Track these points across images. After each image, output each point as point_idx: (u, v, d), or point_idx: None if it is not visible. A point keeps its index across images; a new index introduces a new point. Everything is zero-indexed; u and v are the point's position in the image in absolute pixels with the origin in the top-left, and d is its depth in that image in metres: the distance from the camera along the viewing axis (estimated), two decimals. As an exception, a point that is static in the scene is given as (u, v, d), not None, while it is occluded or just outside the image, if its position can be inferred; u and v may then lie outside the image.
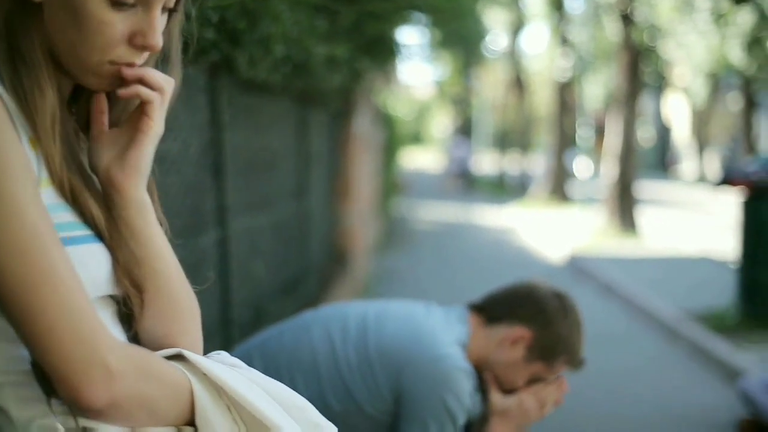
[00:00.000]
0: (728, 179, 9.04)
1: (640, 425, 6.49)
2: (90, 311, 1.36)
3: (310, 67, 5.13)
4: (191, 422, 1.48)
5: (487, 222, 22.19)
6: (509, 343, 2.92)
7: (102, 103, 1.56)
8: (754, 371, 6.99)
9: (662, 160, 49.55)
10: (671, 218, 21.78)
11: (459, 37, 33.20)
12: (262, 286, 5.12)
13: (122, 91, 1.51)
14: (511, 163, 36.89)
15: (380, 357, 2.75)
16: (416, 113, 70.92)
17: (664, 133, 49.45)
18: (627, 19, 17.01)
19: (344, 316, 2.89)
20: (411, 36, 30.64)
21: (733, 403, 6.87)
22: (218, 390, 1.48)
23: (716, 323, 9.08)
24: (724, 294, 10.18)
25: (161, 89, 1.53)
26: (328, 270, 8.26)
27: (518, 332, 2.91)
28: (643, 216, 18.92)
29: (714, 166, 41.12)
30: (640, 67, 17.29)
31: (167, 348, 1.53)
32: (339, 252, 9.32)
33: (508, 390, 2.94)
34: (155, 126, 1.54)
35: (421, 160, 65.84)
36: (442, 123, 62.66)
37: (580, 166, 41.01)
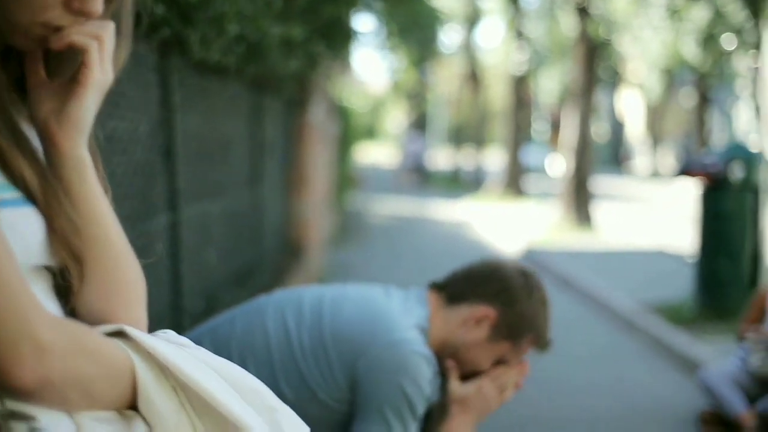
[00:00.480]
0: (686, 170, 8.99)
1: (600, 416, 6.41)
2: (19, 281, 1.21)
3: (264, 50, 4.98)
4: (133, 405, 1.34)
5: (442, 216, 22.11)
6: (473, 322, 2.79)
7: (36, 53, 1.42)
8: (713, 363, 6.92)
9: (616, 156, 49.82)
10: (626, 213, 21.81)
11: (414, 30, 33.11)
12: (214, 275, 4.96)
13: (54, 41, 1.37)
14: (466, 158, 36.86)
15: (335, 342, 2.61)
16: (371, 108, 70.78)
17: (617, 128, 49.70)
18: (583, 12, 16.98)
19: (300, 299, 2.74)
20: (366, 23, 30.43)
21: (693, 394, 6.81)
22: (164, 370, 1.34)
23: (674, 315, 9.04)
24: (680, 287, 10.16)
25: (97, 36, 1.39)
26: (281, 262, 8.10)
27: (482, 311, 2.77)
28: (599, 210, 18.92)
29: (668, 161, 41.37)
30: (596, 61, 17.27)
31: (108, 324, 1.38)
32: (293, 244, 9.17)
33: (472, 373, 2.81)
34: (95, 76, 1.40)
35: (376, 154, 65.74)
36: (396, 118, 62.56)
37: (550, 162, 41.01)
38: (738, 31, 28.54)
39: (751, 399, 6.04)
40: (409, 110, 47.61)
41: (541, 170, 40.76)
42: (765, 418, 5.80)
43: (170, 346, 1.37)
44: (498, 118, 43.79)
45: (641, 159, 45.69)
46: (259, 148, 6.77)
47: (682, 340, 8.19)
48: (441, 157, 47.29)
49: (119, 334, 1.36)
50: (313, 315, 2.67)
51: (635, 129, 47.18)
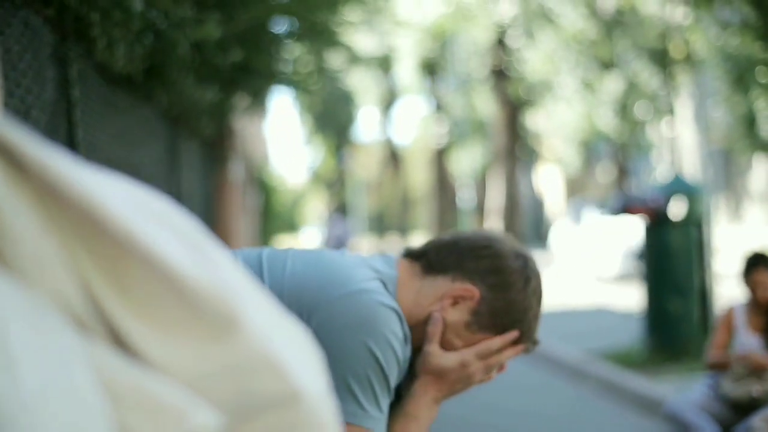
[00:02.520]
0: (627, 208, 8.64)
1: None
2: None
3: (174, 60, 4.51)
4: None
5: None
6: (450, 301, 2.18)
7: None
8: (677, 394, 6.49)
9: (538, 233, 49.87)
10: (559, 279, 21.53)
11: (330, 115, 32.98)
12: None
13: None
14: (390, 247, 36.50)
15: (290, 299, 2.05)
16: (291, 203, 70.47)
17: (537, 205, 49.84)
18: (501, 75, 16.82)
19: (259, 255, 2.18)
20: (283, 105, 30.24)
21: (656, 431, 6.37)
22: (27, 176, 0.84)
23: (624, 359, 8.63)
24: (626, 337, 9.77)
25: None
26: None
27: (465, 289, 2.18)
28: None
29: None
30: (518, 122, 17.09)
31: None
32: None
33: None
34: None
35: (298, 243, 65.19)
36: (317, 209, 62.23)
37: None
38: (652, 99, 28.83)
39: (725, 427, 5.62)
40: (329, 199, 47.38)
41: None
42: (741, 446, 5.37)
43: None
44: (421, 203, 43.68)
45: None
46: (176, 193, 6.25)
47: (635, 382, 7.75)
48: (364, 246, 46.87)
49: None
50: (272, 272, 2.11)
51: (555, 205, 47.35)
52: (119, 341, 0.87)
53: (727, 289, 9.45)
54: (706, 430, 5.55)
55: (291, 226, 74.09)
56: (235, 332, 0.89)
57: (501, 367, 2.32)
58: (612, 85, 26.02)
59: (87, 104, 3.81)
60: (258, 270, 2.13)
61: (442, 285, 2.21)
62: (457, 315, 2.20)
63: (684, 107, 29.43)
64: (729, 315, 5.87)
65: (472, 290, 2.18)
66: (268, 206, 20.64)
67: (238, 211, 9.88)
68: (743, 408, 5.61)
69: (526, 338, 2.27)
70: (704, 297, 8.39)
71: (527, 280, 2.23)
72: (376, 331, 2.02)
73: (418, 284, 2.22)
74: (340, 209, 44.19)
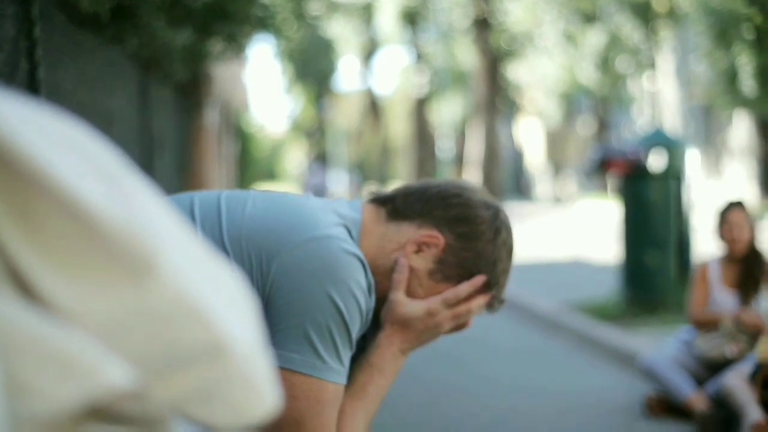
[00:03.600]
0: (606, 160, 8.55)
1: (539, 414, 5.85)
2: None
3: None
4: None
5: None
6: (413, 247, 2.09)
7: None
8: (652, 348, 6.45)
9: (517, 185, 49.86)
10: (535, 231, 21.49)
11: (310, 64, 32.73)
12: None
13: None
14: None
15: (247, 244, 1.94)
16: (271, 151, 70.18)
17: (517, 158, 49.79)
18: (483, 24, 16.66)
19: (217, 198, 2.07)
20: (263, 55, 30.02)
21: (632, 383, 6.35)
22: None
23: (599, 312, 8.59)
24: (602, 290, 9.73)
25: None
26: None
27: (430, 236, 2.10)
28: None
29: (568, 187, 41.42)
30: (499, 73, 16.97)
31: None
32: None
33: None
34: None
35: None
36: (297, 158, 61.99)
37: None
38: (634, 53, 28.72)
39: (699, 382, 5.59)
40: (309, 149, 47.17)
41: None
42: (715, 401, 5.33)
43: None
44: (400, 154, 43.57)
45: (542, 186, 45.72)
46: (147, 139, 6.12)
47: (611, 334, 7.71)
48: (344, 192, 46.73)
49: None
50: (232, 212, 2.00)
51: (535, 158, 47.31)
52: (22, 285, 0.77)
53: (704, 243, 9.40)
54: (682, 386, 5.51)
55: (270, 174, 73.83)
56: (152, 276, 0.79)
57: (466, 322, 2.23)
58: (594, 38, 25.90)
59: (50, 43, 3.69)
60: (216, 211, 2.03)
61: (407, 231, 2.12)
62: (421, 263, 2.11)
63: (666, 62, 29.36)
64: (704, 270, 5.82)
65: (437, 237, 2.10)
66: (245, 154, 20.48)
67: (213, 158, 9.76)
68: (717, 367, 5.57)
69: (493, 293, 2.18)
70: (682, 250, 8.34)
71: (497, 230, 2.14)
72: (338, 279, 1.92)
73: (383, 229, 2.13)
74: (320, 158, 44.01)
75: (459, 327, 2.23)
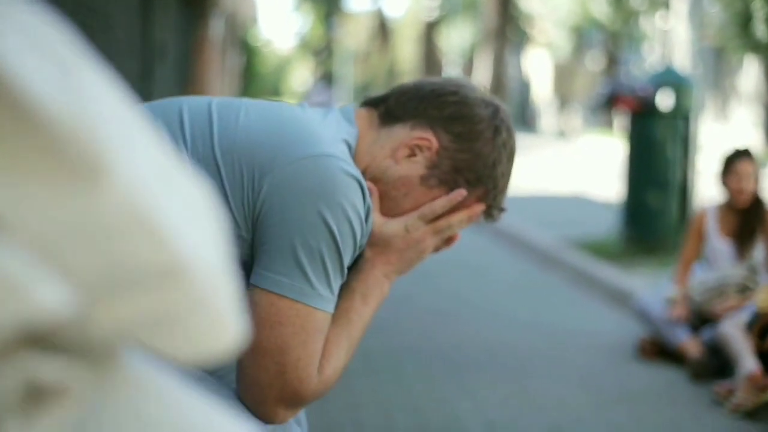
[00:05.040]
0: (615, 96, 8.41)
1: (532, 349, 5.79)
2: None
3: None
4: None
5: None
6: (405, 151, 1.94)
7: None
8: (648, 289, 6.36)
9: (523, 117, 49.56)
10: (538, 164, 21.37)
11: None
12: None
13: None
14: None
15: (239, 156, 1.81)
16: (277, 68, 69.71)
17: (524, 89, 49.42)
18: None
19: (208, 105, 1.94)
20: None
21: (626, 325, 6.28)
22: None
23: (598, 250, 8.50)
24: (603, 226, 9.64)
25: None
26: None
27: (422, 138, 1.94)
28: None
29: (574, 122, 41.17)
30: (511, 1, 16.72)
31: None
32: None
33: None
34: None
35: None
36: (302, 76, 61.57)
37: None
38: (648, -10, 28.36)
39: (694, 327, 5.51)
40: (315, 67, 46.86)
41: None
42: (709, 348, 5.25)
43: None
44: (407, 78, 43.23)
45: (547, 119, 45.45)
46: (149, 48, 5.97)
47: (608, 272, 7.63)
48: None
49: None
50: (224, 121, 1.87)
51: (542, 90, 46.95)
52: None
53: (707, 187, 9.29)
54: (677, 333, 5.42)
55: (274, 90, 73.48)
56: (100, 181, 0.66)
57: (453, 237, 2.09)
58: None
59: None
60: (207, 119, 1.90)
61: (400, 134, 1.97)
62: (411, 168, 1.95)
63: (680, 1, 29.01)
64: (700, 219, 5.70)
65: (429, 138, 1.94)
66: (250, 68, 20.26)
67: (216, 71, 9.61)
68: (709, 317, 5.47)
69: (492, 199, 2.04)
70: (684, 192, 8.23)
71: (497, 129, 1.97)
72: (334, 201, 1.77)
73: (375, 135, 1.98)
74: (326, 77, 43.68)
75: (446, 243, 2.10)
